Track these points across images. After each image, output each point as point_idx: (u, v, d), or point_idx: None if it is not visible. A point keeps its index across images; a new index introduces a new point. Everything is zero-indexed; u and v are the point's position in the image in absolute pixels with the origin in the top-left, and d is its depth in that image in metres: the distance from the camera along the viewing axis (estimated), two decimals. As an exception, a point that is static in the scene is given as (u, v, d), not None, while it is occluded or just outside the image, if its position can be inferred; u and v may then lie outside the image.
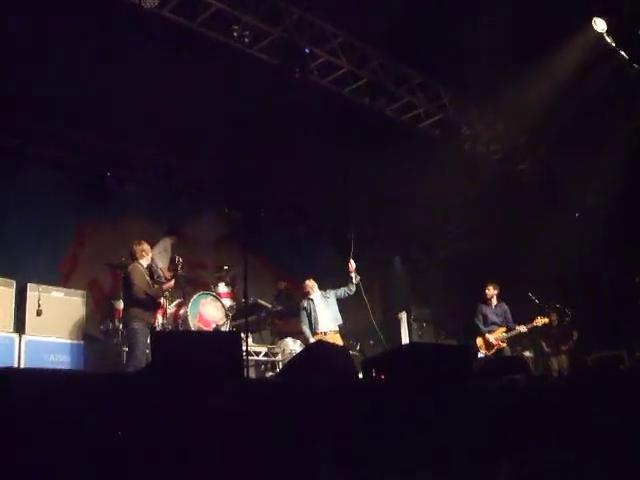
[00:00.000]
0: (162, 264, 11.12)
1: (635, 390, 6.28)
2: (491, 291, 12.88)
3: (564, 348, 14.23)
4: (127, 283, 9.49)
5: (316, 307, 11.46)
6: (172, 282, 10.01)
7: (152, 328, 10.27)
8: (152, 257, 10.26)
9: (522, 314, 14.41)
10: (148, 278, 9.74)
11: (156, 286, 9.84)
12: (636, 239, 13.82)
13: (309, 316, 11.43)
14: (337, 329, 11.45)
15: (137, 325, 9.19)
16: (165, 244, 11.67)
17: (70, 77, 10.04)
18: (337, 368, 5.72)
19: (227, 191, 14.10)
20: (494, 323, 12.66)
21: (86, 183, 12.15)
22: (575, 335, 14.15)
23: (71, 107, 10.88)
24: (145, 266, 9.79)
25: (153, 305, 9.63)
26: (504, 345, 12.41)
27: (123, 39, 9.53)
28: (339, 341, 11.20)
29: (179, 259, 10.02)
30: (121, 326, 10.20)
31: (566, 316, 14.33)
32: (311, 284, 11.75)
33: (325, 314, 11.46)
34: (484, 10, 10.01)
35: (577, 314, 14.28)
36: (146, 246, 9.88)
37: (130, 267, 9.60)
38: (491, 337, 12.45)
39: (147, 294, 9.39)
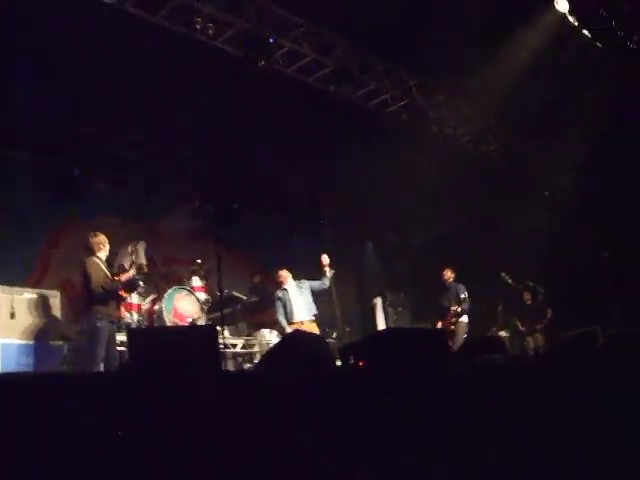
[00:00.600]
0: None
1: (609, 365, 6.34)
2: (445, 275, 13.54)
3: (539, 327, 14.34)
4: (85, 279, 9.10)
5: (291, 297, 11.47)
6: (131, 272, 9.54)
7: (127, 325, 10.25)
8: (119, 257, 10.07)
9: (495, 294, 14.57)
10: (107, 271, 9.31)
11: (116, 278, 9.39)
12: (604, 215, 13.96)
13: (284, 306, 11.43)
14: (313, 318, 11.48)
15: (100, 324, 8.86)
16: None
17: (36, 75, 9.92)
18: (314, 356, 5.72)
19: (199, 185, 14.03)
20: (443, 307, 13.24)
21: (56, 182, 12.03)
22: (549, 313, 14.28)
23: (37, 104, 10.74)
24: (104, 259, 9.39)
25: (113, 299, 9.24)
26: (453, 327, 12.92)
27: (87, 35, 9.44)
28: (316, 330, 11.23)
29: (132, 247, 9.68)
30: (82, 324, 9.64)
31: (539, 295, 14.47)
32: (285, 274, 11.75)
33: (300, 304, 11.47)
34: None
35: (550, 292, 14.43)
36: (102, 237, 9.46)
37: (86, 261, 9.18)
38: (439, 324, 13.07)
39: (104, 288, 8.97)
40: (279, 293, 11.60)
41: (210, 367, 4.97)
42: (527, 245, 14.06)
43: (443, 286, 13.50)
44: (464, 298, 12.96)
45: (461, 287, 13.23)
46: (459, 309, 12.87)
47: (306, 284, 11.69)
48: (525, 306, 14.66)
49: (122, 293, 9.58)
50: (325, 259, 11.65)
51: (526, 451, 4.94)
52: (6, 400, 3.60)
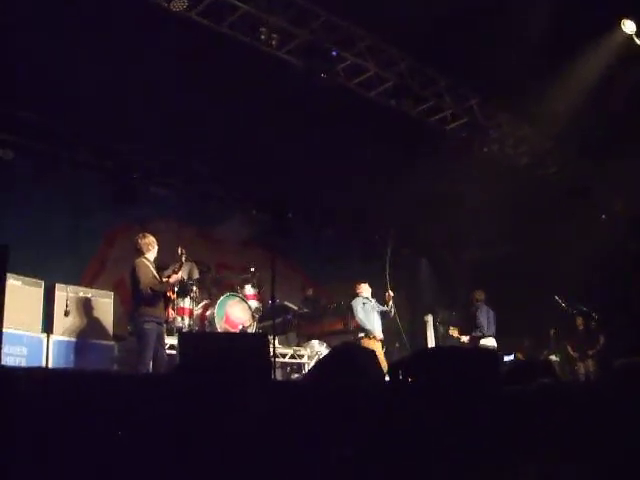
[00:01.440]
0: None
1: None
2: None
3: (591, 352, 14.13)
4: (133, 280, 9.19)
5: (370, 310, 11.48)
6: (179, 274, 9.52)
7: (179, 329, 10.34)
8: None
9: (548, 318, 14.38)
10: (155, 272, 9.39)
11: (164, 280, 9.43)
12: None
13: (367, 316, 11.46)
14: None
15: (148, 326, 8.92)
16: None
17: (99, 81, 10.10)
18: (365, 370, 5.71)
19: (256, 193, 14.12)
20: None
21: (114, 185, 12.26)
22: (602, 340, 14.06)
23: (101, 111, 10.93)
24: (152, 260, 9.48)
25: (161, 300, 9.28)
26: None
27: (152, 43, 9.59)
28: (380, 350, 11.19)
29: (182, 250, 9.72)
30: (131, 325, 9.88)
31: (592, 320, 14.25)
32: (366, 287, 11.79)
33: (376, 320, 11.50)
34: (512, 12, 9.95)
35: (604, 318, 14.19)
36: (151, 238, 9.55)
37: (135, 262, 9.26)
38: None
39: (153, 290, 9.05)
40: (362, 300, 11.60)
41: (260, 375, 4.99)
42: (583, 270, 13.88)
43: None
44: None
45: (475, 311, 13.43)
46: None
47: (376, 305, 11.69)
48: (577, 331, 14.46)
49: (170, 295, 9.63)
50: (390, 294, 11.64)
51: (572, 472, 4.88)
52: (54, 394, 3.65)
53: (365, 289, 11.77)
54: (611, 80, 11.45)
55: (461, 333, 13.37)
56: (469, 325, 13.65)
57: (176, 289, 9.99)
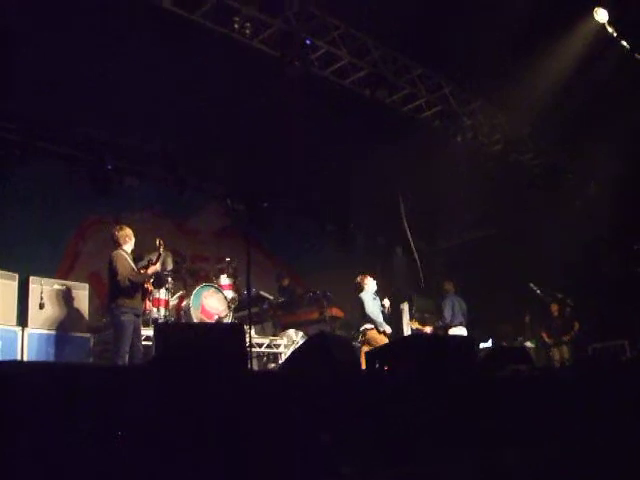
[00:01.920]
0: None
1: (636, 379, 6.29)
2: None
3: (565, 339, 14.23)
4: (111, 272, 9.18)
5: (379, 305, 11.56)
6: (157, 265, 9.58)
7: (154, 320, 10.31)
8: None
9: (523, 304, 14.48)
10: (132, 264, 9.43)
11: (142, 271, 9.46)
12: (637, 228, 13.83)
13: (377, 310, 11.43)
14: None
15: (125, 317, 8.93)
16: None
17: (71, 70, 10.02)
18: (341, 359, 5.72)
19: (230, 183, 14.08)
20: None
21: (88, 176, 12.17)
22: (576, 326, 14.17)
23: (72, 100, 10.84)
24: (129, 252, 9.49)
25: (138, 292, 9.31)
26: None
27: (124, 32, 9.53)
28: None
29: (160, 241, 9.66)
30: (108, 317, 9.83)
31: (567, 306, 14.36)
32: (372, 280, 11.74)
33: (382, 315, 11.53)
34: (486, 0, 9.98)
35: (578, 304, 14.31)
36: (128, 231, 9.56)
37: (113, 254, 9.27)
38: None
39: (131, 281, 9.08)
40: (372, 295, 11.52)
41: (236, 365, 4.98)
42: (557, 256, 13.97)
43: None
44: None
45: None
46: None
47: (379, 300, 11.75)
48: (552, 318, 14.56)
49: (148, 286, 9.63)
50: (386, 303, 11.73)
51: (546, 454, 4.93)
52: (29, 388, 3.63)
53: (371, 282, 11.70)
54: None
55: (423, 325, 13.53)
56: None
57: (151, 280, 9.96)
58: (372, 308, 11.24)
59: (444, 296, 13.77)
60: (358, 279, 11.66)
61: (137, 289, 9.27)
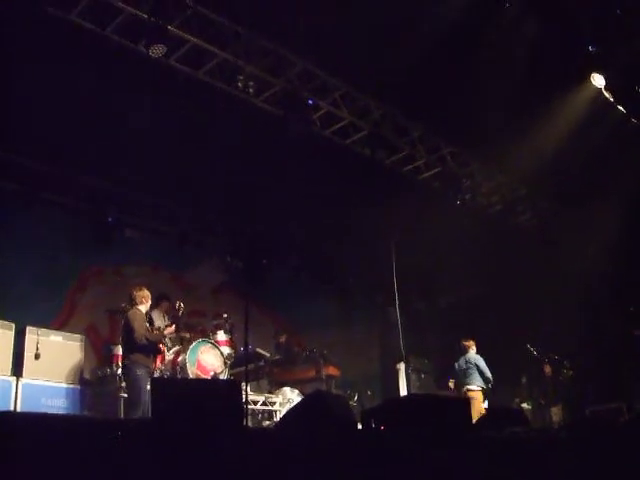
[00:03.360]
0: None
1: (632, 442, 6.26)
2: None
3: (556, 401, 14.13)
4: (127, 329, 9.44)
5: None
6: (173, 327, 10.06)
7: (151, 374, 10.29)
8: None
9: (520, 365, 14.44)
10: (147, 324, 9.73)
11: (156, 331, 9.82)
12: (636, 290, 13.85)
13: None
14: None
15: (140, 372, 9.18)
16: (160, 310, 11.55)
17: (73, 121, 10.14)
18: (337, 418, 5.69)
19: (230, 239, 14.13)
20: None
21: (88, 227, 12.22)
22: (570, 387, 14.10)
23: (74, 151, 10.98)
24: (144, 312, 9.78)
25: (154, 350, 9.63)
26: None
27: (129, 87, 9.67)
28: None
29: (179, 304, 10.01)
30: (119, 372, 10.11)
31: (564, 368, 14.29)
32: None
33: None
34: (485, 64, 10.14)
35: (576, 366, 14.25)
36: (146, 292, 9.86)
37: (130, 312, 9.58)
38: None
39: (148, 339, 9.38)
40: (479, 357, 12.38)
41: (232, 422, 4.97)
42: (556, 317, 13.98)
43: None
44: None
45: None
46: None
47: None
48: (545, 378, 14.47)
49: (161, 347, 9.96)
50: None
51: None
52: (23, 440, 3.63)
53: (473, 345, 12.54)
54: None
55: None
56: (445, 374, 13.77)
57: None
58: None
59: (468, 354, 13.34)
60: (465, 342, 12.69)
61: (152, 348, 9.57)
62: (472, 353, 13.00)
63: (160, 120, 10.33)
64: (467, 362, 12.94)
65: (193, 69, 9.97)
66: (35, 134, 10.44)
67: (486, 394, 12.55)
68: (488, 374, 12.53)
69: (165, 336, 10.03)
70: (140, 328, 9.36)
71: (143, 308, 9.77)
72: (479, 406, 12.33)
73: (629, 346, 13.73)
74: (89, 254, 12.46)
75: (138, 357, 9.29)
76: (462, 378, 12.89)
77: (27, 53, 8.86)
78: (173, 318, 10.15)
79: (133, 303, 9.72)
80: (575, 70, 10.94)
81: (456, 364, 13.20)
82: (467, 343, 13.18)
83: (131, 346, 9.37)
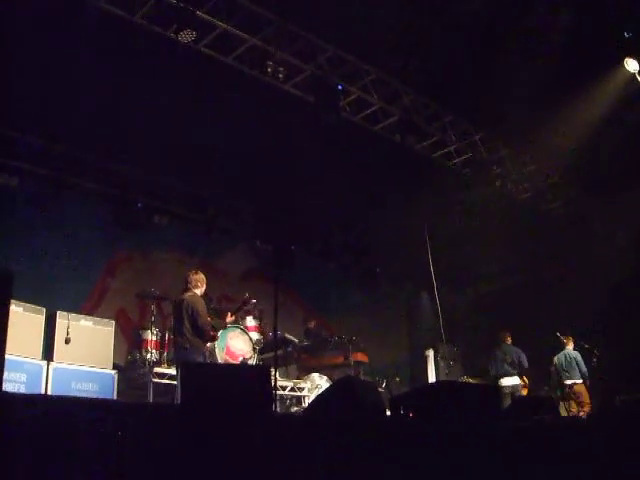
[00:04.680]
0: None
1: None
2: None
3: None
4: (191, 312, 9.25)
5: None
6: (232, 317, 10.24)
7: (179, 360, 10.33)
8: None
9: (549, 354, 14.33)
10: None
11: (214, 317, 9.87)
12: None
13: None
14: None
15: (199, 357, 9.19)
16: None
17: (106, 108, 10.16)
18: (366, 404, 5.69)
19: (259, 224, 14.14)
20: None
21: (118, 214, 12.26)
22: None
23: (106, 139, 11.02)
24: (200, 295, 9.70)
25: (209, 336, 9.57)
26: None
27: (159, 73, 9.67)
28: None
29: (248, 297, 10.44)
30: (174, 357, 10.01)
31: (594, 357, 14.16)
32: None
33: None
34: (517, 49, 10.04)
35: (605, 354, 14.11)
36: (202, 276, 9.76)
37: (189, 295, 9.45)
38: None
39: (210, 324, 9.40)
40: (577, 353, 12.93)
41: (261, 407, 4.97)
42: (586, 306, 13.86)
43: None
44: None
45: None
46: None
47: None
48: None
49: (213, 333, 9.86)
50: None
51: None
52: (53, 422, 3.64)
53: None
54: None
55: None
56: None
57: None
58: None
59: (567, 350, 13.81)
60: (563, 339, 13.22)
61: (209, 334, 9.52)
62: (570, 349, 13.55)
63: (190, 107, 10.33)
64: (567, 357, 13.45)
65: (222, 55, 9.94)
66: (68, 122, 10.50)
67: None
68: (584, 368, 13.04)
69: (225, 323, 10.11)
70: (203, 313, 9.29)
71: (199, 292, 9.66)
72: (586, 398, 13.03)
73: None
74: (118, 240, 12.54)
75: (198, 342, 9.23)
76: (564, 373, 13.35)
77: (63, 43, 8.90)
78: (239, 305, 10.32)
79: (190, 287, 9.58)
80: (609, 55, 10.80)
81: (555, 358, 13.60)
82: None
83: (193, 330, 9.20)
